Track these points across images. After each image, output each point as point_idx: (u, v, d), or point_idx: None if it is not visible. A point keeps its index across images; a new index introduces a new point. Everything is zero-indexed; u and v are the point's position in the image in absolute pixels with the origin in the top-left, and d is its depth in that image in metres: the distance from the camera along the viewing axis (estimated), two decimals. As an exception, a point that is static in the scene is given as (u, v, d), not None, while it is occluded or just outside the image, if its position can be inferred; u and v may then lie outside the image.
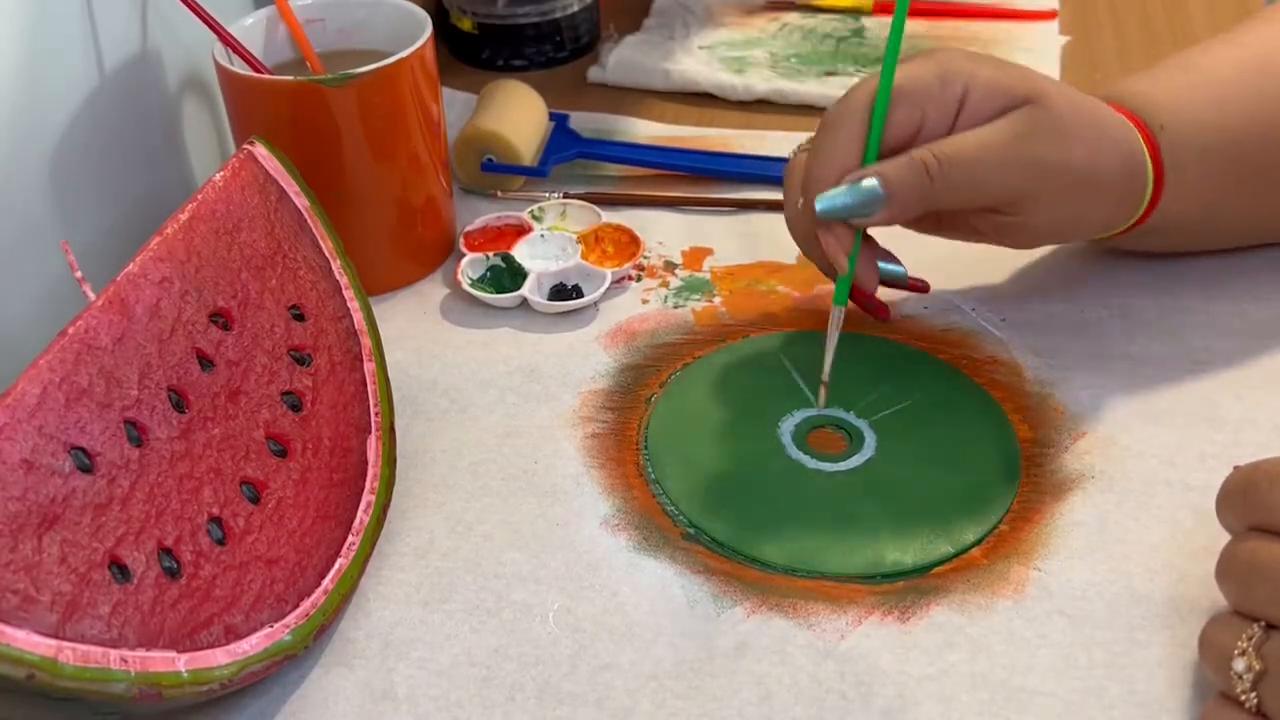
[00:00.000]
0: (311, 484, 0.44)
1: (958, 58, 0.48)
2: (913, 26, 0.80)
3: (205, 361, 0.44)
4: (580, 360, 0.55)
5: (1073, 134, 0.48)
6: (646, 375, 0.54)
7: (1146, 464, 0.48)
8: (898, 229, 0.52)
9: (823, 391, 0.50)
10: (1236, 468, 0.38)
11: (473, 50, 0.79)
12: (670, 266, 0.60)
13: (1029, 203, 0.48)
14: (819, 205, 0.47)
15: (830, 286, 0.54)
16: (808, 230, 0.50)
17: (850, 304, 0.50)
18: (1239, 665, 0.35)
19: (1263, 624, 0.35)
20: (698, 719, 0.40)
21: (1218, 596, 0.38)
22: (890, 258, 0.53)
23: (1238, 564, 0.37)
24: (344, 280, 0.50)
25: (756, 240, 0.62)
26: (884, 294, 0.54)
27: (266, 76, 0.55)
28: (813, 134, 0.50)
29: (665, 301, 0.58)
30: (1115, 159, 0.49)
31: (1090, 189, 0.49)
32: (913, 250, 0.60)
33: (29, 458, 0.37)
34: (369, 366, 0.48)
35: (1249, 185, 0.53)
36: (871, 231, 0.50)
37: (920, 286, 0.54)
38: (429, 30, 0.56)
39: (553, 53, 0.79)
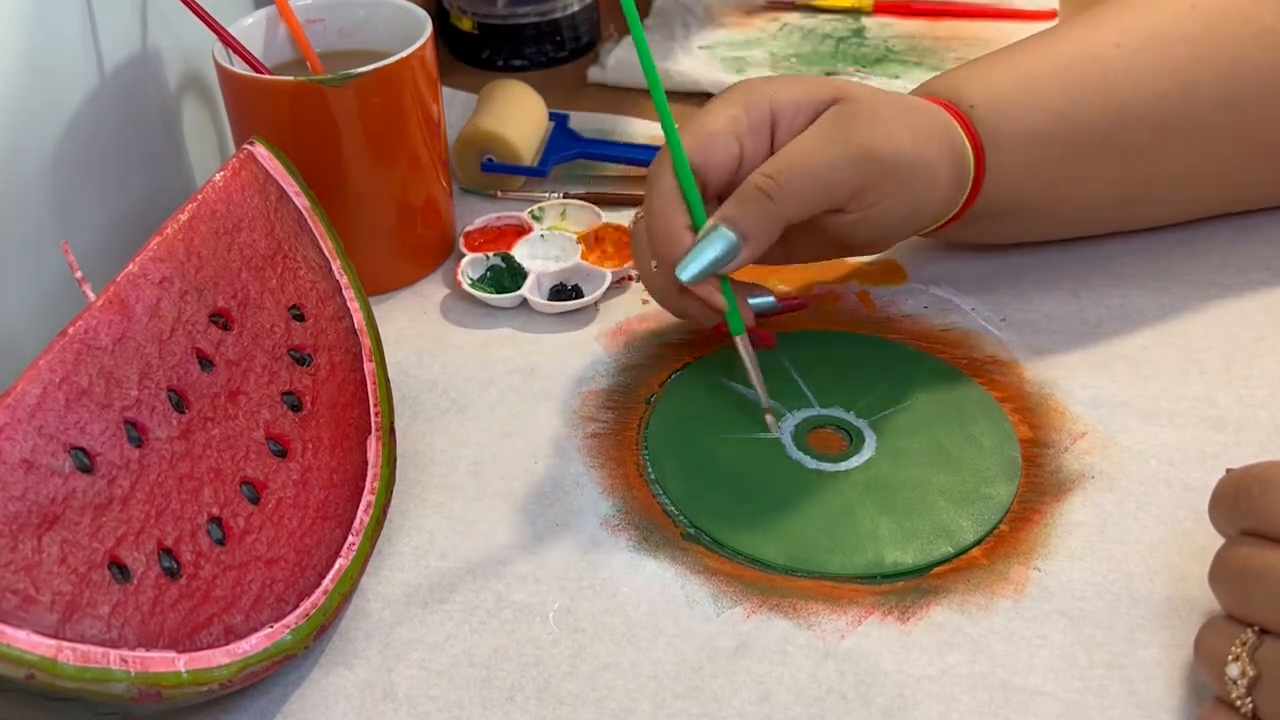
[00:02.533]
0: (311, 484, 0.44)
1: (755, 84, 0.49)
2: (913, 26, 0.80)
3: (205, 361, 0.44)
4: (580, 360, 0.55)
5: (889, 120, 0.48)
6: (646, 375, 0.54)
7: (1146, 464, 0.48)
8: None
9: (769, 419, 0.49)
10: (1229, 471, 0.38)
11: (473, 50, 0.79)
12: (670, 266, 0.60)
13: (870, 194, 0.48)
14: (684, 276, 0.47)
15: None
16: (669, 289, 0.49)
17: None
18: (1233, 671, 0.35)
19: (1257, 629, 0.35)
20: (698, 719, 0.40)
21: (1217, 597, 0.38)
22: (757, 290, 0.52)
23: (1230, 569, 0.36)
24: (344, 280, 0.50)
25: (756, 240, 0.61)
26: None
27: (266, 76, 0.55)
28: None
29: (665, 301, 0.58)
30: (936, 141, 0.49)
31: (923, 174, 0.49)
32: (913, 250, 0.60)
33: (29, 458, 0.37)
34: (369, 366, 0.48)
35: (1074, 166, 0.53)
36: None
37: (797, 305, 0.55)
38: (429, 30, 0.56)
39: (553, 53, 0.79)
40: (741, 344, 0.49)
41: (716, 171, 0.48)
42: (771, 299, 0.52)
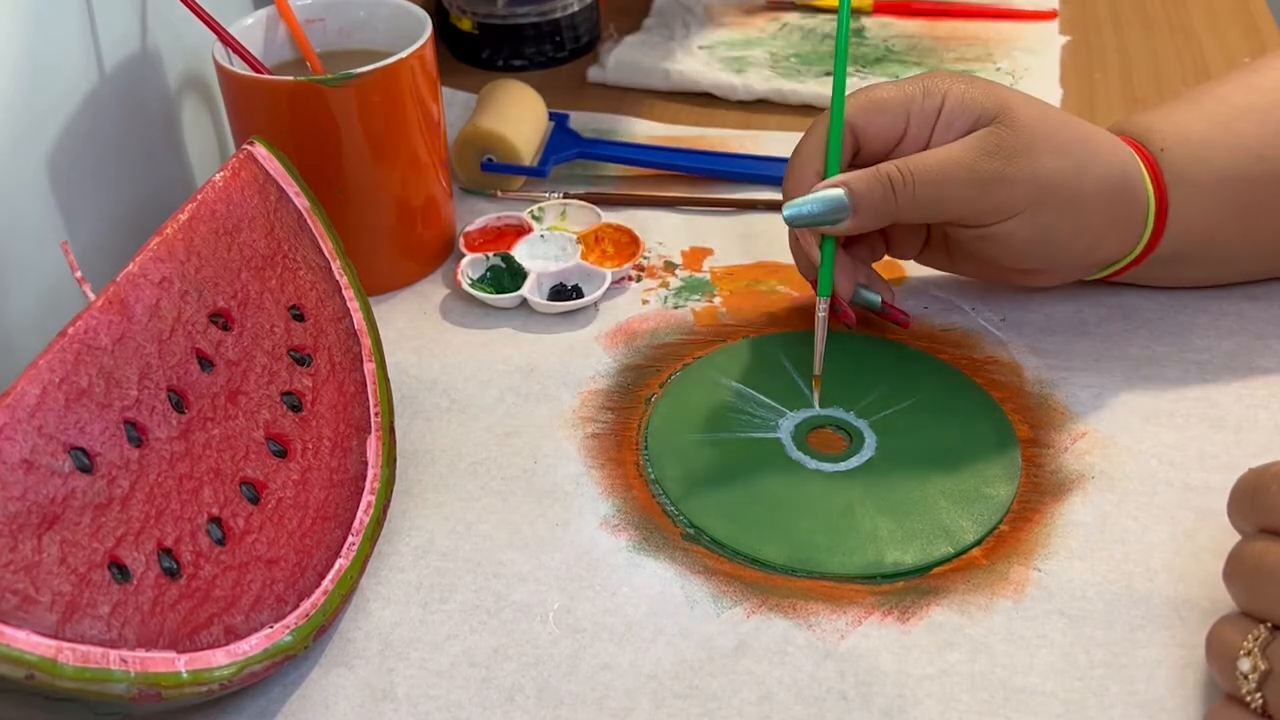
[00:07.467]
0: (311, 484, 0.44)
1: (939, 74, 0.51)
2: (912, 26, 0.80)
3: (205, 361, 0.44)
4: (580, 360, 0.55)
5: (1041, 148, 0.48)
6: (646, 375, 0.54)
7: (1146, 464, 0.48)
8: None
9: (816, 388, 0.51)
10: (1251, 470, 0.38)
11: (473, 50, 0.79)
12: (670, 266, 0.60)
13: (994, 215, 0.49)
14: (787, 212, 0.49)
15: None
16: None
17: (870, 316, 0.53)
18: (1244, 665, 0.35)
19: (1269, 625, 0.35)
20: (697, 719, 0.40)
21: (1218, 597, 0.38)
22: (874, 283, 0.53)
23: (1245, 565, 0.37)
24: (344, 280, 0.50)
25: (756, 240, 0.62)
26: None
27: (266, 76, 0.55)
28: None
29: (665, 301, 0.58)
30: (1100, 174, 0.49)
31: (1067, 203, 0.49)
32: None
33: (29, 458, 0.37)
34: (369, 367, 0.48)
35: (1269, 207, 0.52)
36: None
37: (900, 318, 0.54)
38: (429, 30, 0.56)
39: (553, 53, 0.79)
40: (820, 306, 0.51)
41: (876, 139, 0.51)
42: (878, 298, 0.53)
